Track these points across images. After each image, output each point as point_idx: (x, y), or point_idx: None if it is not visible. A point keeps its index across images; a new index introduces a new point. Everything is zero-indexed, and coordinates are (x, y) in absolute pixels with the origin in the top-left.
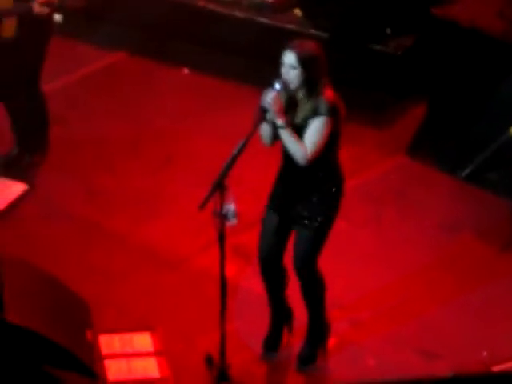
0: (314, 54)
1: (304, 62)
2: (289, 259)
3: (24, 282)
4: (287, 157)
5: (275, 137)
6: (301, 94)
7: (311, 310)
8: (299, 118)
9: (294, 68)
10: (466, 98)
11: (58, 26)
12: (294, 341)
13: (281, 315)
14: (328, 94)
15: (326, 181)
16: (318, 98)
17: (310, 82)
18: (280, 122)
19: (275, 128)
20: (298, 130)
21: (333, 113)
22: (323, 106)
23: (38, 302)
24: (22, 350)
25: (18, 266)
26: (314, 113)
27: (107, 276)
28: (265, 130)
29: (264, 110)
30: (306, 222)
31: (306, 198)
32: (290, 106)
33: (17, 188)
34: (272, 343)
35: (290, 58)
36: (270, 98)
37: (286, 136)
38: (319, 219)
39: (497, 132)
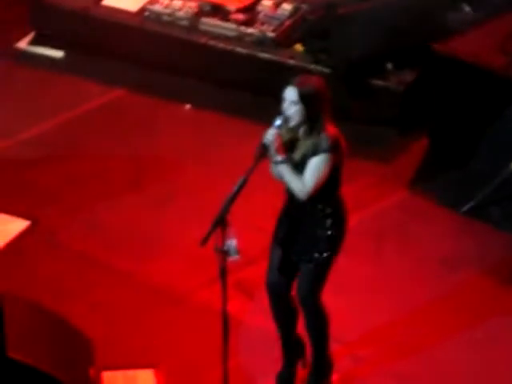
0: (315, 90)
1: (304, 98)
2: None
3: (26, 318)
4: (289, 192)
5: None
6: (302, 131)
7: (315, 344)
8: (299, 154)
9: (295, 104)
10: (467, 133)
11: (59, 62)
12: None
13: (292, 350)
14: (329, 129)
15: (328, 216)
16: (320, 134)
17: (311, 119)
18: (280, 158)
19: (276, 164)
20: (298, 167)
21: (334, 149)
22: (324, 143)
23: (40, 338)
24: None
25: (19, 303)
26: (315, 149)
27: (110, 312)
28: (274, 168)
29: (265, 147)
30: (309, 257)
31: (308, 233)
32: (291, 142)
33: (19, 224)
34: (285, 380)
35: (290, 93)
36: (271, 134)
37: (286, 172)
38: (321, 255)
39: (498, 167)
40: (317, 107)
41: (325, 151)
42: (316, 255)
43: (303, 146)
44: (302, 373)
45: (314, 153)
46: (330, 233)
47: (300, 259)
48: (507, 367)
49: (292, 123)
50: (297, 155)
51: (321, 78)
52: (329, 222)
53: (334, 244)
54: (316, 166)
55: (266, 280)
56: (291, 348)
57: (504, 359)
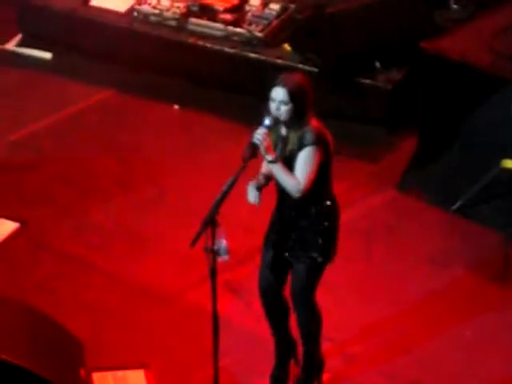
0: (303, 88)
1: (295, 97)
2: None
3: (15, 320)
4: (281, 192)
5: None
6: (288, 128)
7: (306, 343)
8: (287, 151)
9: (286, 103)
10: (456, 131)
11: (47, 63)
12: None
13: (285, 348)
14: (313, 123)
15: (322, 214)
16: (304, 129)
17: (298, 116)
18: (270, 157)
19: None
20: (288, 164)
21: (318, 141)
22: (308, 136)
23: (30, 339)
24: None
25: (8, 305)
26: (300, 144)
27: (100, 313)
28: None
29: (254, 147)
30: (302, 257)
31: (302, 232)
32: (278, 140)
33: (8, 226)
34: (279, 378)
35: (280, 93)
36: (260, 134)
37: (278, 171)
38: (314, 255)
39: (487, 165)
40: (305, 104)
41: (310, 144)
42: (309, 257)
43: (290, 143)
44: (293, 372)
45: (300, 147)
46: (321, 233)
47: (295, 257)
48: (496, 364)
49: (281, 121)
50: (286, 153)
51: (304, 75)
52: (323, 220)
53: (330, 242)
54: (304, 160)
55: (258, 281)
56: (284, 348)
57: (493, 356)
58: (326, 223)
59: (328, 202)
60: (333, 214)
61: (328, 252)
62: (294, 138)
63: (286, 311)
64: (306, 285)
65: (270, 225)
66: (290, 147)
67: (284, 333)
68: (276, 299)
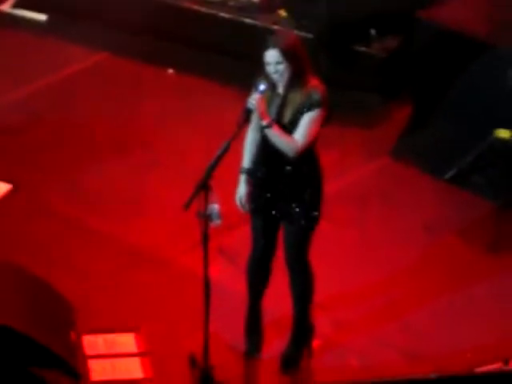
0: (294, 44)
1: (289, 55)
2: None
3: (6, 282)
4: (272, 152)
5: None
6: (289, 88)
7: (299, 308)
8: (289, 112)
9: (281, 63)
10: (450, 101)
11: (42, 25)
12: (279, 341)
13: (259, 313)
14: (315, 82)
15: (310, 172)
16: (308, 88)
17: (297, 74)
18: (265, 122)
19: (261, 129)
20: (290, 124)
21: (325, 103)
22: (316, 98)
23: (21, 301)
24: (2, 349)
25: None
26: (308, 104)
27: (91, 276)
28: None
29: (248, 111)
30: (293, 218)
31: (290, 194)
32: (272, 104)
33: (0, 188)
34: (254, 341)
35: (274, 55)
36: (255, 99)
37: (273, 135)
38: (305, 214)
39: (481, 134)
40: (300, 60)
41: (317, 106)
42: (300, 217)
43: (292, 103)
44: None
45: (308, 108)
46: (315, 187)
47: (284, 222)
48: (486, 333)
49: (282, 83)
50: (287, 114)
51: (292, 32)
52: (314, 177)
53: (319, 196)
54: (311, 121)
55: (252, 251)
56: (259, 311)
57: (483, 325)
58: (317, 181)
59: (316, 163)
60: (319, 173)
61: (318, 212)
62: (296, 97)
63: (268, 281)
64: (302, 244)
65: (256, 191)
66: (292, 108)
67: (259, 301)
68: (266, 268)
